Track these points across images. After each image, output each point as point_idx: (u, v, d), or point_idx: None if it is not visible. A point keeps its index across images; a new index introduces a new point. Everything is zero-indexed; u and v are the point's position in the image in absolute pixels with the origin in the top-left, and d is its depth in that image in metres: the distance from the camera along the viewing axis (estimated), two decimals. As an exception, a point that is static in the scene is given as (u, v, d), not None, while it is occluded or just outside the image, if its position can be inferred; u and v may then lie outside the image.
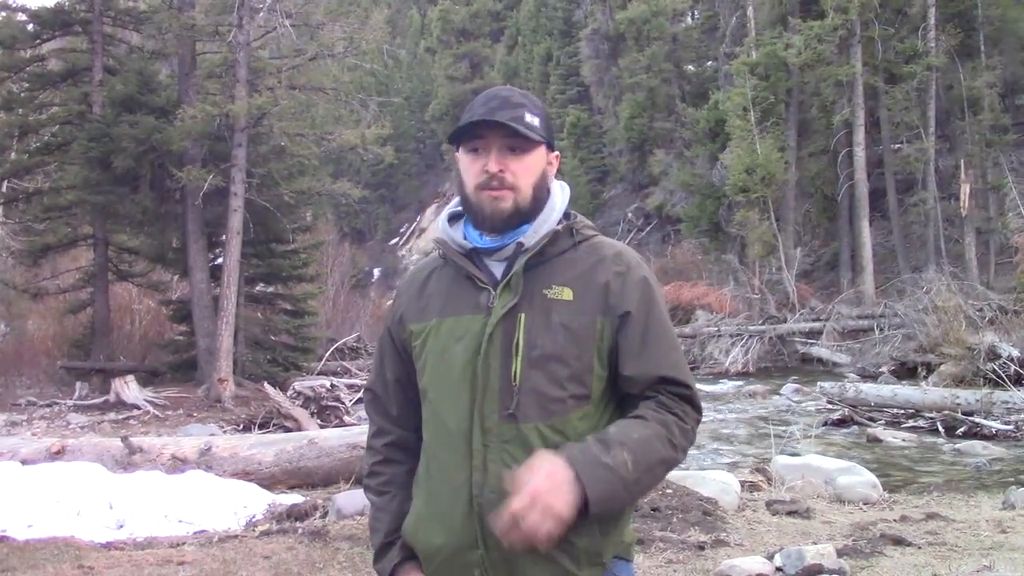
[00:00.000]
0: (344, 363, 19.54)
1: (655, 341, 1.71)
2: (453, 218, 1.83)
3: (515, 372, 1.65)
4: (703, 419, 1.77)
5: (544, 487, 1.50)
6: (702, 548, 5.04)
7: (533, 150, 1.72)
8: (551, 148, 1.77)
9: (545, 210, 1.75)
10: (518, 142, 1.69)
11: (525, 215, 1.72)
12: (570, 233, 1.74)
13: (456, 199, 1.81)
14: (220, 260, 16.67)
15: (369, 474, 1.89)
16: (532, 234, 1.71)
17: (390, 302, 1.93)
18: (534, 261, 1.69)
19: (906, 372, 15.81)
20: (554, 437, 1.64)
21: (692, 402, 1.73)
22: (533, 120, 1.70)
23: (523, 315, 1.67)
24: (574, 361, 1.66)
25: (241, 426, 12.37)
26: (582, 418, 1.67)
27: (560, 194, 1.80)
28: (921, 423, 11.50)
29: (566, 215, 1.78)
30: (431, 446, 1.74)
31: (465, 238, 1.76)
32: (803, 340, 20.57)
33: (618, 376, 1.70)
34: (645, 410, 1.68)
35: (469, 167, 1.72)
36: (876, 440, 10.77)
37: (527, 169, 1.71)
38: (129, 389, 14.29)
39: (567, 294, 1.68)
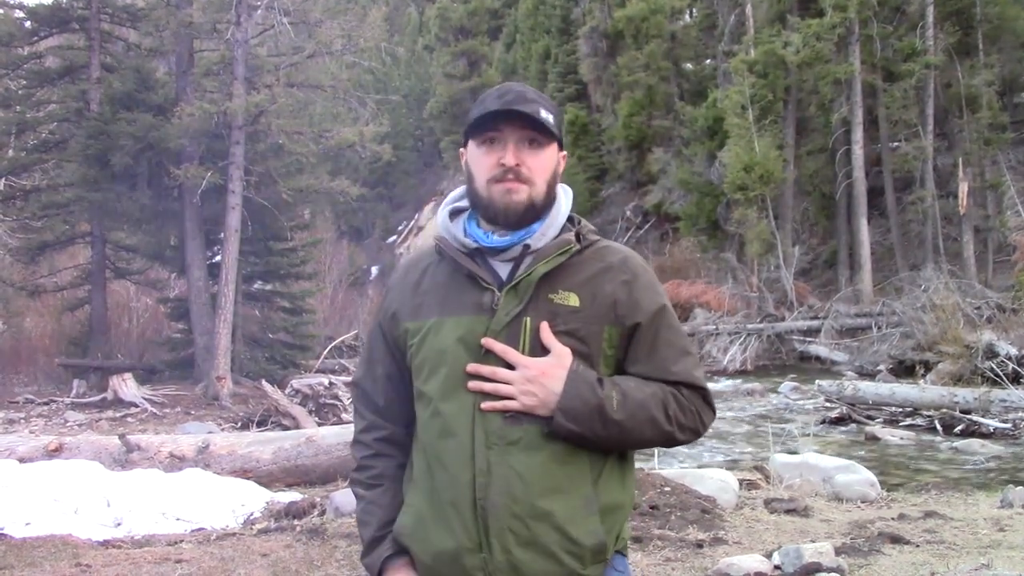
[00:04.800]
0: (342, 361, 19.57)
1: (666, 348, 1.71)
2: (454, 214, 1.79)
3: None
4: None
5: (552, 371, 1.60)
6: (700, 546, 5.04)
7: (549, 146, 1.70)
8: (561, 147, 1.75)
9: (552, 211, 1.73)
10: (536, 135, 1.68)
11: (539, 211, 1.70)
12: (576, 238, 1.72)
13: (454, 193, 1.79)
14: (218, 258, 16.67)
15: (358, 468, 1.85)
16: (540, 235, 1.69)
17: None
18: (542, 268, 1.66)
19: (904, 370, 15.81)
20: (559, 438, 1.63)
21: (706, 401, 1.75)
22: (548, 116, 1.68)
23: (528, 319, 1.64)
24: None
25: (239, 424, 12.38)
26: None
27: (564, 197, 1.78)
28: (919, 421, 11.53)
29: (570, 219, 1.77)
30: (433, 447, 1.69)
31: (467, 235, 1.73)
32: (801, 338, 20.57)
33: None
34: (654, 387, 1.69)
35: (482, 159, 1.70)
36: (874, 438, 10.79)
37: (542, 164, 1.70)
38: (127, 387, 14.29)
39: (573, 300, 1.66)
